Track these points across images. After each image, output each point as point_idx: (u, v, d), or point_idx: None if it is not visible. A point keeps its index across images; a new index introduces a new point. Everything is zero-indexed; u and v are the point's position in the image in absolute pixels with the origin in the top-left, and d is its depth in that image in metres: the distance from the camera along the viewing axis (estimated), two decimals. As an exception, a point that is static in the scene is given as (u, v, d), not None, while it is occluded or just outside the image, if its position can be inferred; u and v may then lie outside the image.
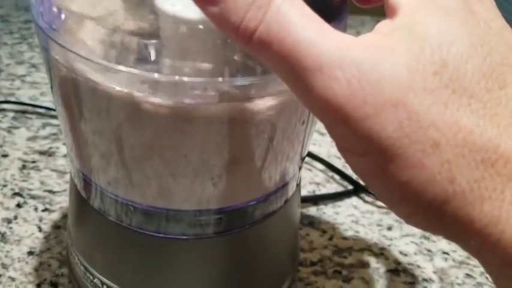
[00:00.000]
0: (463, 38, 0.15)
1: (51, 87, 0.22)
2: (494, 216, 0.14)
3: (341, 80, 0.13)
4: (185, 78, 0.16)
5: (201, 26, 0.17)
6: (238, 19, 0.13)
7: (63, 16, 0.18)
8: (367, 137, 0.14)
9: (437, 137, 0.14)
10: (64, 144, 0.41)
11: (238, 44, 0.14)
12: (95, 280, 0.24)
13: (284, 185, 0.23)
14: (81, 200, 0.23)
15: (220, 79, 0.17)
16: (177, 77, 0.16)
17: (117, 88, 0.17)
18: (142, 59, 0.17)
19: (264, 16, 0.13)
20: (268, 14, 0.13)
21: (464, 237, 0.15)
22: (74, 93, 0.19)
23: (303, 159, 0.24)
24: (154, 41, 0.17)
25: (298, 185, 0.26)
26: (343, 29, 0.20)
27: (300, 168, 0.24)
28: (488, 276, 0.33)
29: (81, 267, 0.25)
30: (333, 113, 0.14)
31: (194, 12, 0.17)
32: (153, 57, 0.17)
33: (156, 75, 0.17)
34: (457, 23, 0.15)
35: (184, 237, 0.21)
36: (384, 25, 0.15)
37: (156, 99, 0.17)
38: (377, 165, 0.14)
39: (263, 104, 0.18)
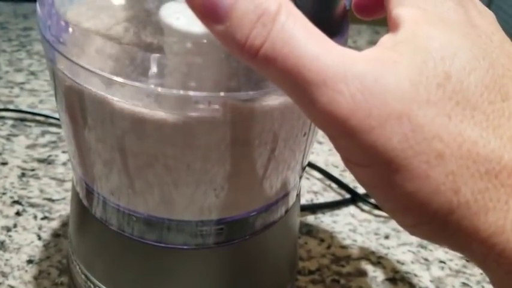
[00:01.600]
0: (466, 50, 0.15)
1: (55, 96, 0.22)
2: (498, 226, 0.14)
3: (345, 93, 0.14)
4: (190, 93, 0.17)
5: (205, 41, 0.17)
6: (244, 37, 0.14)
7: (70, 30, 0.18)
8: (372, 149, 0.14)
9: (441, 148, 0.14)
10: (63, 152, 0.41)
11: (242, 60, 0.14)
12: (96, 289, 0.24)
13: (285, 195, 0.23)
14: (82, 209, 0.24)
15: (224, 93, 0.17)
16: (181, 91, 0.17)
17: (122, 101, 0.18)
18: (147, 73, 0.17)
19: (269, 33, 0.14)
20: (273, 31, 0.14)
21: (469, 247, 0.15)
22: (78, 104, 0.20)
23: (303, 168, 0.24)
24: (159, 55, 0.17)
25: (298, 195, 0.26)
26: (345, 43, 0.20)
27: (300, 178, 0.24)
28: (485, 285, 0.34)
29: (82, 276, 0.25)
30: (338, 126, 0.14)
31: (199, 27, 0.17)
32: (158, 71, 0.17)
33: (160, 89, 0.17)
34: (459, 36, 0.15)
35: (185, 247, 0.22)
36: (386, 39, 0.16)
37: (161, 113, 0.18)
38: (382, 176, 0.14)
39: (266, 116, 0.18)
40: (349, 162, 0.15)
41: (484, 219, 0.14)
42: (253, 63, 0.14)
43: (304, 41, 0.14)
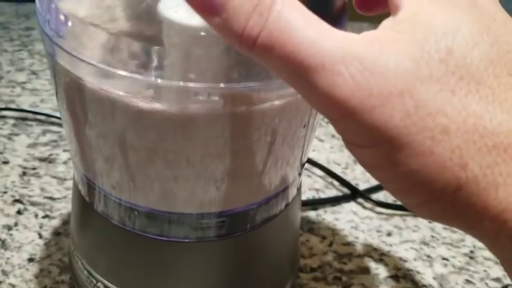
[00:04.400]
0: (468, 25, 0.15)
1: (56, 92, 0.22)
2: (510, 202, 0.14)
3: (344, 75, 0.14)
4: (190, 84, 0.17)
5: (203, 33, 0.17)
6: (241, 27, 0.14)
7: (69, 23, 0.18)
8: (375, 128, 0.14)
9: (446, 123, 0.14)
10: (64, 150, 0.41)
11: (240, 51, 0.14)
12: (98, 284, 0.24)
13: (285, 189, 0.23)
14: (84, 205, 0.24)
15: (223, 85, 0.17)
16: (181, 83, 0.17)
17: (122, 93, 0.18)
18: (146, 65, 0.17)
19: (265, 22, 0.14)
20: (269, 20, 0.14)
21: (480, 225, 0.15)
22: (78, 98, 0.20)
23: (303, 165, 0.24)
24: (158, 47, 0.17)
25: (299, 190, 0.26)
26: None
27: (300, 174, 0.24)
28: (488, 282, 0.33)
29: (84, 272, 0.25)
30: (339, 108, 0.14)
31: (197, 19, 0.17)
32: (157, 63, 0.17)
33: (160, 80, 0.17)
34: (461, 13, 0.15)
35: (186, 240, 0.22)
36: (387, 22, 0.16)
37: (160, 105, 0.18)
38: (386, 155, 0.14)
39: (265, 108, 0.18)
40: (352, 145, 0.15)
41: (494, 195, 0.14)
42: (251, 53, 0.14)
43: (300, 27, 0.14)
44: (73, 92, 0.20)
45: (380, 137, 0.14)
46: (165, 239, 0.22)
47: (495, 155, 0.14)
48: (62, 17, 0.18)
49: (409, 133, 0.14)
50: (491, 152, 0.14)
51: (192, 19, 0.18)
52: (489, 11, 0.16)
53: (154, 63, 0.17)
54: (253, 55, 0.14)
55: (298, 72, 0.14)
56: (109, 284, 0.24)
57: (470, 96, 0.14)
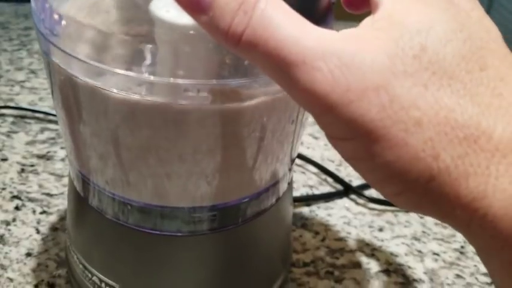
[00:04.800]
0: (442, 23, 0.15)
1: (52, 91, 0.22)
2: (480, 191, 0.15)
3: (324, 70, 0.14)
4: (179, 80, 0.17)
5: (192, 31, 0.18)
6: (226, 25, 0.14)
7: (63, 22, 0.18)
8: (352, 121, 0.14)
9: (418, 116, 0.14)
10: (62, 148, 0.42)
11: (226, 48, 0.15)
12: (94, 278, 0.25)
13: (275, 184, 0.23)
14: (79, 200, 0.24)
15: (212, 81, 0.18)
16: (171, 79, 0.17)
17: (114, 90, 0.18)
18: (138, 62, 0.18)
19: (249, 20, 0.14)
20: (253, 18, 0.14)
21: (452, 214, 0.15)
22: (73, 96, 0.20)
23: (293, 160, 0.25)
24: (149, 45, 0.18)
25: (290, 185, 0.26)
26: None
27: (290, 169, 0.25)
28: (478, 277, 0.34)
29: (80, 266, 0.25)
30: (319, 102, 0.15)
31: (187, 19, 0.18)
32: (148, 61, 0.18)
33: (151, 77, 0.18)
34: (437, 11, 0.16)
35: (179, 234, 0.22)
36: (366, 20, 0.16)
37: (152, 102, 0.18)
38: (363, 147, 0.15)
39: (253, 104, 0.19)
40: (333, 139, 0.16)
41: (465, 185, 0.14)
42: (237, 49, 0.15)
43: (283, 24, 0.14)
44: (67, 90, 0.20)
45: (357, 130, 0.15)
46: (158, 232, 0.22)
47: (466, 146, 0.14)
48: (56, 16, 0.19)
49: (384, 126, 0.14)
50: (462, 143, 0.14)
51: (183, 19, 0.18)
52: (465, 9, 0.16)
53: (146, 60, 0.18)
54: (239, 51, 0.15)
55: (281, 68, 0.14)
56: (104, 278, 0.24)
57: (442, 91, 0.15)
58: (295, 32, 0.14)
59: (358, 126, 0.14)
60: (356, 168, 0.16)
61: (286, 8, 0.15)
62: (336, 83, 0.14)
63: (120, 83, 0.18)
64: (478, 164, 0.14)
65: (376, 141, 0.14)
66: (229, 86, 0.18)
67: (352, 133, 0.15)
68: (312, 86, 0.14)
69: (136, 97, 0.18)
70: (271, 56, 0.14)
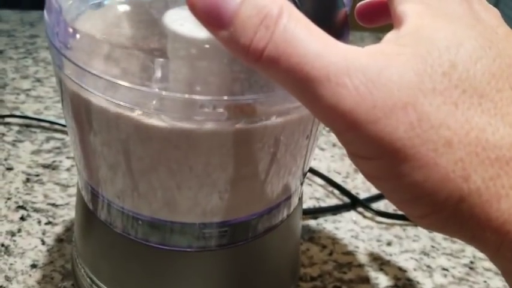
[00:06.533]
0: (471, 40, 0.15)
1: (62, 102, 0.22)
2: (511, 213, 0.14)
3: (349, 86, 0.14)
4: (195, 96, 0.17)
5: (208, 45, 0.18)
6: (248, 40, 0.14)
7: (78, 36, 0.18)
8: (378, 140, 0.14)
9: (449, 135, 0.14)
10: (68, 157, 0.41)
11: (246, 63, 0.15)
12: (100, 292, 0.24)
13: (287, 199, 0.23)
14: (88, 212, 0.24)
15: (228, 97, 0.17)
16: (187, 95, 0.17)
17: (128, 105, 0.18)
18: (153, 78, 0.18)
19: (271, 35, 0.14)
20: (275, 33, 0.14)
21: (482, 237, 0.15)
22: (84, 109, 0.20)
23: (304, 174, 0.24)
24: (163, 60, 0.18)
25: (300, 199, 0.26)
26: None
27: (301, 183, 0.25)
28: (487, 292, 0.33)
29: (87, 279, 0.25)
30: (343, 119, 0.14)
31: (202, 32, 0.17)
32: (162, 76, 0.18)
33: (166, 93, 0.17)
34: (464, 27, 0.15)
35: (188, 249, 0.22)
36: (390, 35, 0.16)
37: (165, 116, 0.18)
38: (389, 167, 0.14)
39: (269, 120, 0.19)
40: (356, 157, 0.15)
41: (496, 207, 0.14)
42: (258, 65, 0.15)
43: (306, 40, 0.14)
44: (79, 103, 0.20)
45: (384, 149, 0.14)
46: (167, 248, 0.22)
47: (497, 167, 0.14)
48: (71, 30, 0.19)
49: (413, 145, 0.14)
50: (493, 164, 0.14)
51: (197, 32, 0.18)
52: (491, 26, 0.16)
53: (160, 75, 0.18)
54: (260, 67, 0.15)
55: (303, 84, 0.14)
56: (111, 292, 0.24)
57: (472, 110, 0.14)
58: (319, 48, 0.14)
59: (385, 145, 0.14)
60: (379, 187, 0.16)
61: (308, 22, 0.14)
62: (361, 99, 0.14)
63: (134, 98, 0.18)
64: (510, 185, 0.14)
65: (404, 161, 0.14)
66: (245, 101, 0.18)
67: (377, 152, 0.14)
68: (337, 103, 0.14)
69: (149, 112, 0.18)
70: (293, 71, 0.14)
